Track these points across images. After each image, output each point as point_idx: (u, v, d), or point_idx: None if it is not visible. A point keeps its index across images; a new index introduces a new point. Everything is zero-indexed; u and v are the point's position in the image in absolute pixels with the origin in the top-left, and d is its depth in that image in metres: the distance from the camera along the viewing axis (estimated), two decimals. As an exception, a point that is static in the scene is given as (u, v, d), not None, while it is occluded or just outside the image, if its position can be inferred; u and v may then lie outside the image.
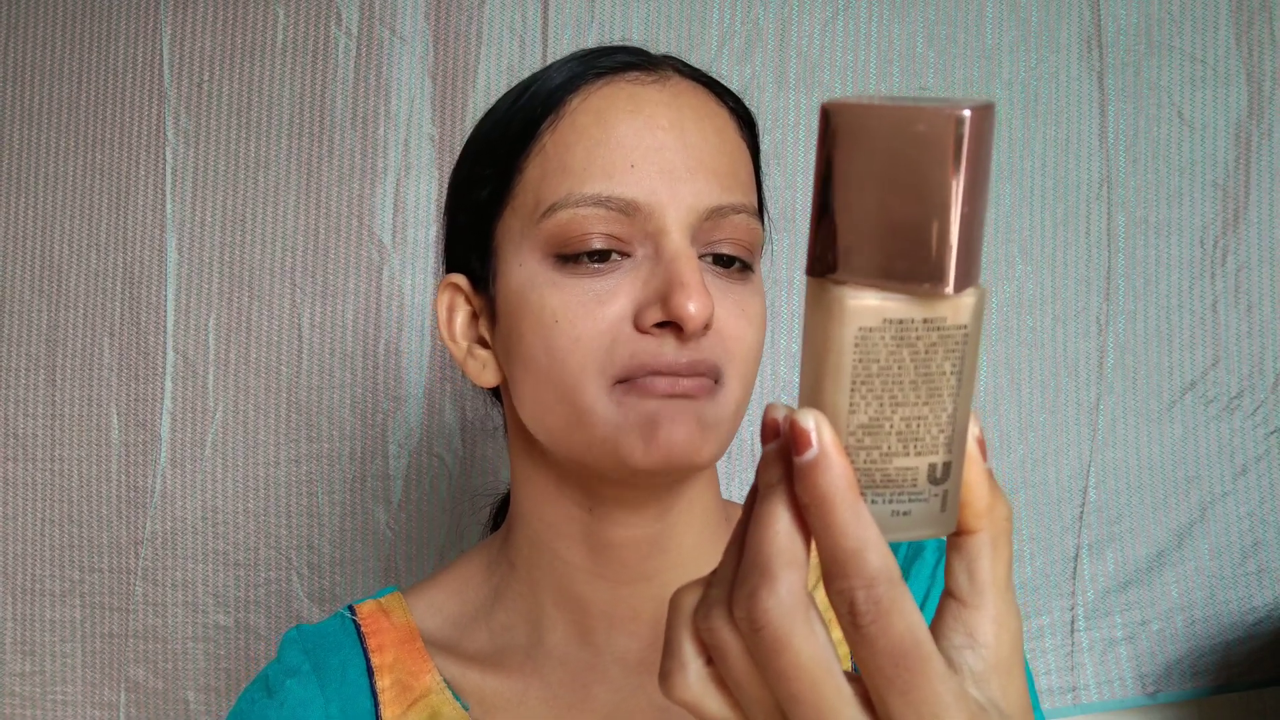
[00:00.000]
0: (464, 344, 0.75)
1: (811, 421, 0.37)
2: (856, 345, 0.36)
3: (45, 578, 1.36)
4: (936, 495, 0.39)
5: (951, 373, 0.37)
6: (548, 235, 0.65)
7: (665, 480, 0.68)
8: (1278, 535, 1.31)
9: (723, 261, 0.67)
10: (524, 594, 0.75)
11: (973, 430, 0.40)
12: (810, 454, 0.36)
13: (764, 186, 0.76)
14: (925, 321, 0.36)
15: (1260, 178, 1.31)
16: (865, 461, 0.38)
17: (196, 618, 1.34)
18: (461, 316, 0.74)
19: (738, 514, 0.79)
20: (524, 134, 0.69)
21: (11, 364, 1.38)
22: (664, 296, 0.63)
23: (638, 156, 0.65)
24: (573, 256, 0.65)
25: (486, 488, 1.32)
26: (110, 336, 1.37)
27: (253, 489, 1.34)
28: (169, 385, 1.35)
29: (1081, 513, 1.31)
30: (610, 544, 0.71)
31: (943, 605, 0.41)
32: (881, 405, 0.37)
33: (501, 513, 0.92)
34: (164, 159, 1.37)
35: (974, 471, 0.40)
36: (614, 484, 0.68)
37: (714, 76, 0.74)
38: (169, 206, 1.37)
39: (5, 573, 1.37)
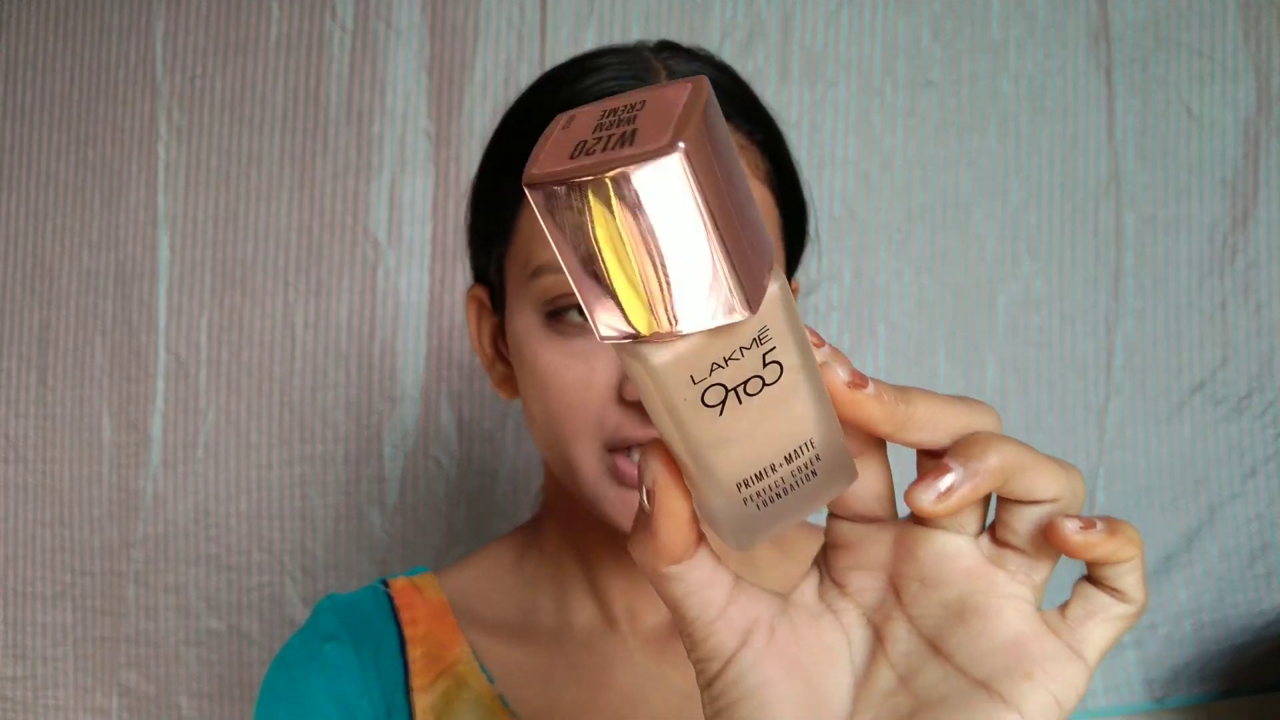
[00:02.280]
0: (490, 353, 0.76)
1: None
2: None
3: (36, 581, 1.35)
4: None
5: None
6: (537, 294, 0.66)
7: None
8: (1287, 538, 1.30)
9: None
10: (552, 576, 0.77)
11: (840, 375, 0.34)
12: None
13: (802, 190, 0.74)
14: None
15: (1269, 174, 1.30)
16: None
17: (189, 622, 1.32)
18: (487, 327, 0.76)
19: None
20: (516, 178, 0.68)
21: (2, 364, 1.37)
22: None
23: None
24: (559, 312, 0.65)
25: (483, 490, 1.31)
26: (102, 336, 1.35)
27: (245, 491, 1.33)
28: (161, 385, 1.34)
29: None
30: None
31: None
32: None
33: None
34: (156, 155, 1.36)
35: (864, 410, 0.35)
36: None
37: (745, 86, 0.71)
38: (161, 203, 1.36)
39: (-6, 576, 1.36)
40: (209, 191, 1.36)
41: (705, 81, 0.30)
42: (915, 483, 0.34)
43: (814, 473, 0.35)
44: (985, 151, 1.31)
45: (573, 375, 0.64)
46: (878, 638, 0.37)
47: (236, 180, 1.35)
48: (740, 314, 0.30)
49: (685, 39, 1.31)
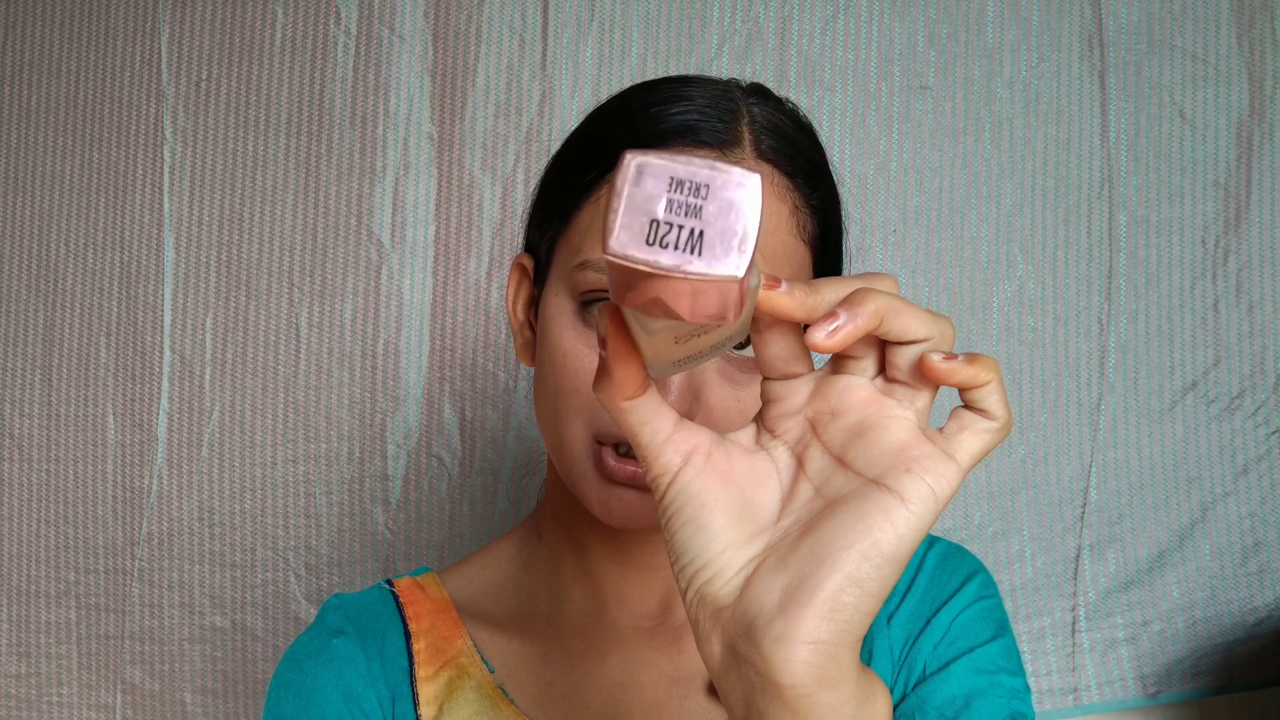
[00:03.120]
0: (521, 318, 0.79)
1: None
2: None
3: (41, 579, 1.36)
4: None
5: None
6: (577, 284, 0.69)
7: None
8: (1279, 535, 1.31)
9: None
10: (548, 562, 0.80)
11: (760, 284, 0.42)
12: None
13: (841, 243, 0.76)
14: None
15: (1262, 177, 1.31)
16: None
17: (193, 619, 1.33)
18: (524, 295, 0.79)
19: None
20: (586, 170, 0.71)
21: (7, 364, 1.37)
22: None
23: None
24: (590, 304, 0.68)
25: (485, 488, 1.32)
26: (107, 336, 1.36)
27: (250, 489, 1.33)
28: (166, 385, 1.35)
29: (1083, 513, 1.30)
30: (617, 534, 0.75)
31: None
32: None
33: None
34: (162, 158, 1.37)
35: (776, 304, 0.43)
36: None
37: (817, 147, 0.73)
38: (167, 205, 1.37)
39: (0, 575, 1.36)
40: (214, 194, 1.36)
41: (761, 186, 0.37)
42: (811, 325, 0.42)
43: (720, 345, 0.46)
44: (980, 155, 1.32)
45: (587, 363, 0.68)
46: (799, 462, 0.46)
47: (241, 183, 1.36)
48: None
49: (685, 44, 1.33)
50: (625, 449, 0.67)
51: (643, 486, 0.67)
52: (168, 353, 1.35)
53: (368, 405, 1.33)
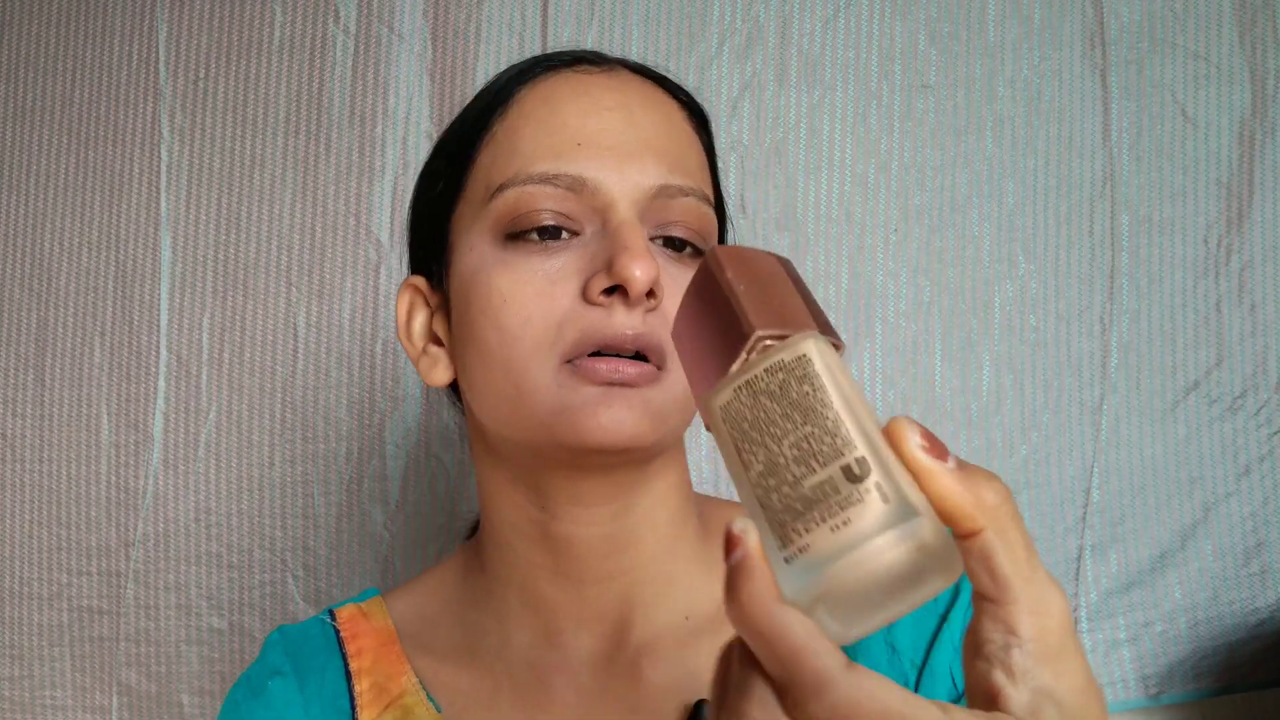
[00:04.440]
0: (419, 344, 0.75)
1: (739, 526, 0.38)
2: (725, 420, 0.41)
3: (33, 581, 1.35)
4: (868, 490, 0.37)
5: (814, 391, 0.40)
6: (497, 215, 0.67)
7: (605, 463, 0.67)
8: (1280, 536, 1.31)
9: (674, 244, 0.69)
10: (493, 594, 0.75)
11: (913, 440, 0.39)
12: (736, 556, 0.38)
13: (720, 183, 0.77)
14: (767, 370, 0.41)
15: (1264, 176, 1.31)
16: (781, 499, 0.39)
17: (190, 620, 1.32)
18: (420, 318, 0.76)
19: (712, 511, 0.79)
20: (476, 125, 0.71)
21: (0, 364, 1.37)
22: (609, 263, 0.63)
23: (584, 136, 0.67)
24: (521, 234, 0.66)
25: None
26: (101, 336, 1.36)
27: (247, 490, 1.33)
28: (162, 385, 1.34)
29: (1084, 513, 1.30)
30: (568, 542, 0.71)
31: (977, 609, 0.40)
32: (768, 448, 0.40)
33: None
34: (159, 156, 1.36)
35: (940, 482, 0.39)
36: (564, 478, 0.69)
37: (666, 74, 0.76)
38: (164, 204, 1.36)
39: (-6, 575, 1.35)
40: (212, 193, 1.36)
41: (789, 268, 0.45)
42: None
43: None
44: (981, 153, 1.32)
45: (532, 289, 0.65)
46: None
47: (239, 182, 1.36)
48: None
49: (685, 42, 1.33)
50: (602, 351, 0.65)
51: (624, 381, 0.64)
52: (164, 352, 1.35)
53: (366, 405, 1.32)
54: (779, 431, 0.39)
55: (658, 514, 0.73)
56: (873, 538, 0.37)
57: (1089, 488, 1.30)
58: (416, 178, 0.79)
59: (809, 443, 0.39)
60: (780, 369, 0.41)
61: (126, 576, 1.33)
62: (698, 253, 0.69)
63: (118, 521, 1.34)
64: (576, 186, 0.66)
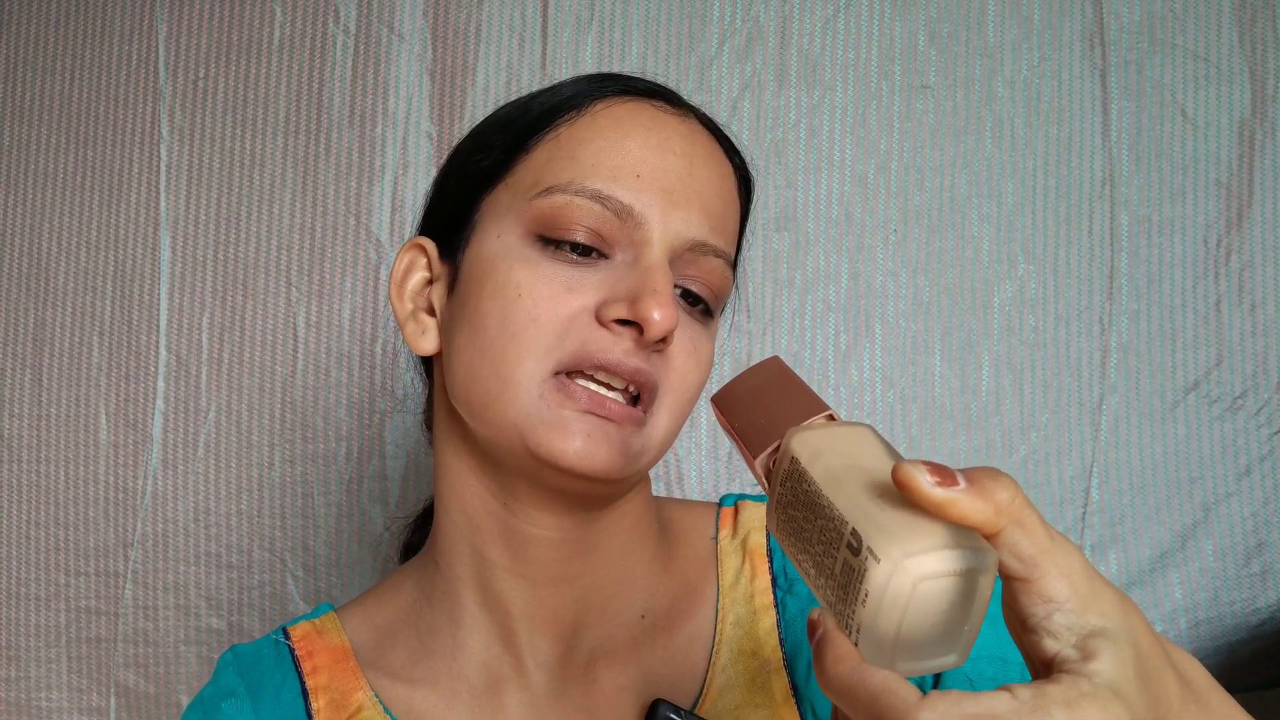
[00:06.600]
0: (410, 306, 0.75)
1: (817, 613, 0.46)
2: (783, 539, 0.49)
3: (30, 582, 1.35)
4: (866, 558, 0.42)
5: (809, 485, 0.46)
6: (537, 214, 0.67)
7: (569, 484, 0.67)
8: (1281, 536, 1.31)
9: (689, 299, 0.70)
10: (447, 592, 0.75)
11: (924, 481, 0.43)
12: (818, 635, 0.45)
13: (742, 252, 0.78)
14: (780, 484, 0.49)
15: (1264, 176, 1.31)
16: (833, 593, 0.45)
17: (189, 621, 1.32)
18: (416, 278, 0.75)
19: (670, 511, 0.80)
20: (542, 119, 0.71)
21: None
22: (634, 298, 0.64)
23: (645, 170, 0.67)
24: (555, 241, 0.67)
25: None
26: (100, 336, 1.35)
27: (246, 490, 1.32)
28: (161, 385, 1.34)
29: (1084, 513, 1.30)
30: (527, 542, 0.71)
31: (1010, 590, 0.44)
32: (809, 552, 0.47)
33: (425, 527, 0.92)
34: (158, 156, 1.36)
35: (959, 508, 0.42)
36: (527, 482, 0.69)
37: (730, 135, 0.76)
38: (163, 204, 1.36)
39: (-8, 576, 1.35)
40: (211, 193, 1.36)
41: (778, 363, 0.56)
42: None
43: None
44: (981, 154, 1.32)
45: (549, 290, 0.65)
46: None
47: (239, 182, 1.36)
48: None
49: (685, 43, 1.33)
50: (589, 377, 0.65)
51: (606, 415, 0.64)
52: (163, 352, 1.34)
53: (366, 405, 1.32)
54: (808, 534, 0.46)
55: (622, 521, 0.74)
56: (883, 596, 0.42)
57: (1088, 487, 1.30)
58: (457, 144, 0.78)
59: (824, 534, 0.45)
60: (786, 478, 0.48)
61: (125, 577, 1.33)
62: (708, 311, 0.71)
63: (116, 522, 1.34)
64: (623, 214, 0.66)
